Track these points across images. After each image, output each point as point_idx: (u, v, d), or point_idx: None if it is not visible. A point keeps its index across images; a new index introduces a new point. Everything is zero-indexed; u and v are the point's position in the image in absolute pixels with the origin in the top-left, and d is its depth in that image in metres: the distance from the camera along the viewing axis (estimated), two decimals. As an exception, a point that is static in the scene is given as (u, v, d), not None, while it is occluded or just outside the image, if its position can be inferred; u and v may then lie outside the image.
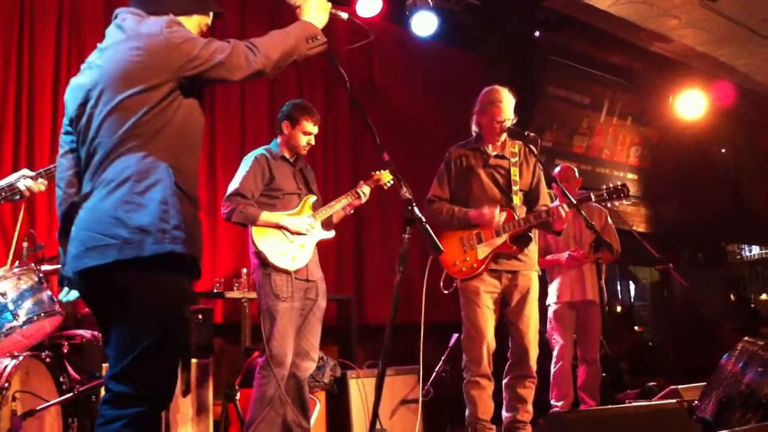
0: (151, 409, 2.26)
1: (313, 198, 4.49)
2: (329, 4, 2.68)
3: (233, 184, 4.29)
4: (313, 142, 4.44)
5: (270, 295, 4.16)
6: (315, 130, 4.42)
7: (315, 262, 4.41)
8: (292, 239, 4.27)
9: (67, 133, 2.54)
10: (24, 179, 3.27)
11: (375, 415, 3.02)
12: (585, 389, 5.43)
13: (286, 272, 4.21)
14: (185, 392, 4.15)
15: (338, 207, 4.53)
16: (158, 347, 2.25)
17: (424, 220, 2.87)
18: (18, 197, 3.30)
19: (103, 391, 2.33)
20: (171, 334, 2.30)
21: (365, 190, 4.64)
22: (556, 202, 4.33)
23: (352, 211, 4.65)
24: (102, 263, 2.21)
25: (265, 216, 4.23)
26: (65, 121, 2.53)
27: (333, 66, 2.71)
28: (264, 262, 4.20)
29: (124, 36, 2.39)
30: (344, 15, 2.79)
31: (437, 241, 2.86)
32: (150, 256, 2.20)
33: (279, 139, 4.47)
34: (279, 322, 4.14)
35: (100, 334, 3.66)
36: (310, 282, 4.34)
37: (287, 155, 4.44)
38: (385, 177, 4.76)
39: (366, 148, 6.77)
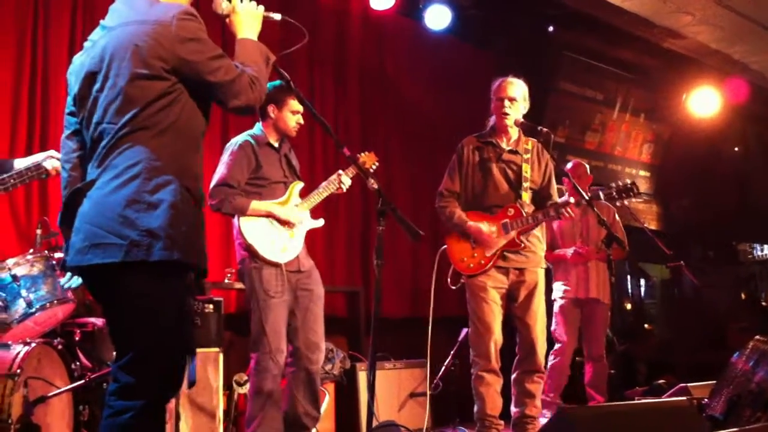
0: (157, 401, 2.26)
1: (299, 185, 4.39)
2: (261, 9, 2.61)
3: (219, 174, 4.18)
4: (302, 121, 4.33)
5: (260, 290, 4.06)
6: (301, 108, 4.29)
7: (305, 252, 4.32)
8: (281, 230, 4.19)
9: (71, 113, 2.49)
10: (51, 159, 3.38)
11: (371, 413, 3.02)
12: (592, 385, 5.45)
13: (276, 265, 4.12)
14: (191, 384, 4.15)
15: (326, 194, 4.43)
16: (161, 343, 2.25)
17: (396, 208, 2.86)
18: (45, 176, 3.44)
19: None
20: (174, 331, 2.28)
21: (345, 180, 4.48)
22: (565, 197, 4.33)
23: (341, 189, 4.50)
24: (106, 262, 2.19)
25: (255, 205, 4.13)
26: (69, 100, 2.49)
27: (275, 70, 2.66)
28: (254, 255, 4.10)
29: (133, 18, 2.34)
30: (277, 16, 2.71)
31: (413, 227, 2.84)
32: (156, 261, 2.18)
33: (261, 124, 4.35)
34: (271, 318, 4.05)
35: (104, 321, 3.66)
36: (302, 272, 4.26)
37: (273, 140, 4.34)
38: (369, 160, 4.69)
39: (376, 137, 6.75)
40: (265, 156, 4.26)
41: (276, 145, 4.34)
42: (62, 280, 3.62)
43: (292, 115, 4.29)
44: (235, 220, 4.16)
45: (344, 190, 4.51)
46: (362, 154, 4.69)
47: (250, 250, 4.10)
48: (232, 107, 2.38)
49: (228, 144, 4.32)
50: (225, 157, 4.23)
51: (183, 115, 2.34)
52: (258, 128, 4.36)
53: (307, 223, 4.35)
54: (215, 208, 4.13)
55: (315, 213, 4.47)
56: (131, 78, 2.27)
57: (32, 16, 4.93)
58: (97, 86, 2.34)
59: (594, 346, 5.47)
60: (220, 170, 4.19)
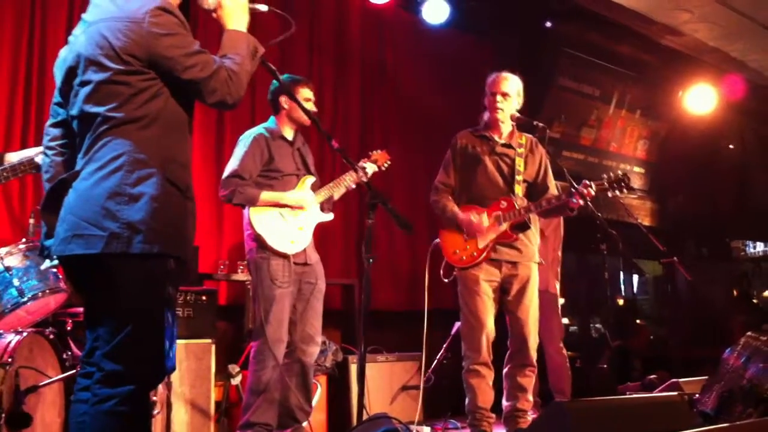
0: (141, 388, 2.29)
1: (311, 179, 4.42)
2: (246, 1, 2.59)
3: (231, 166, 4.22)
4: (315, 109, 4.37)
5: (266, 280, 4.12)
6: (313, 96, 4.36)
7: (312, 246, 4.36)
8: (291, 222, 4.23)
9: (58, 104, 2.54)
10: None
11: (361, 406, 3.03)
12: (555, 389, 5.38)
13: (284, 256, 4.16)
14: (170, 371, 4.15)
15: (336, 189, 4.46)
16: (145, 328, 2.28)
17: (387, 201, 2.86)
18: (36, 171, 3.40)
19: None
20: (157, 316, 2.32)
21: (368, 167, 4.55)
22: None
23: (354, 186, 4.53)
24: (87, 253, 2.24)
25: (265, 195, 4.17)
26: (56, 92, 2.53)
27: (263, 64, 2.64)
28: (262, 246, 4.14)
29: (110, 14, 2.36)
30: (263, 8, 2.69)
31: (404, 218, 2.84)
32: (137, 253, 2.23)
33: (276, 118, 4.40)
34: (275, 307, 4.10)
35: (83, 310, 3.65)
36: (308, 266, 4.31)
37: (287, 133, 4.37)
38: (381, 159, 4.70)
39: (375, 128, 6.74)
40: (277, 149, 4.30)
41: (290, 138, 4.38)
42: (43, 265, 3.60)
43: (305, 103, 4.26)
44: (246, 210, 4.20)
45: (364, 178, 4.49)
46: (375, 152, 4.71)
47: (258, 240, 4.15)
48: (209, 103, 2.39)
49: (242, 136, 4.35)
50: (238, 150, 4.28)
51: (167, 106, 2.37)
52: (272, 121, 4.41)
53: (316, 216, 4.39)
54: (226, 198, 4.19)
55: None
56: (110, 74, 2.30)
57: (29, 8, 4.90)
58: (77, 80, 2.37)
59: (548, 338, 5.30)
60: (232, 162, 4.24)
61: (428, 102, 7.05)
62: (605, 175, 4.26)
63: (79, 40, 2.40)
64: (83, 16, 2.46)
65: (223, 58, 2.42)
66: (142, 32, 2.29)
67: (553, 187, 4.42)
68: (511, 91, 4.30)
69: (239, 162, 4.20)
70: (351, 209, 6.37)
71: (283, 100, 4.34)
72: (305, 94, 4.32)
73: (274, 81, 4.30)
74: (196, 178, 2.58)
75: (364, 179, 2.97)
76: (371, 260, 2.87)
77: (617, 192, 4.23)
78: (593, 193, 4.14)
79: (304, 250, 4.27)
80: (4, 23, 4.80)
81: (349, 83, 6.67)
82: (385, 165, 4.71)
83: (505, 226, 4.20)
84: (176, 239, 2.32)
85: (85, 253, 2.24)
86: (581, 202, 4.12)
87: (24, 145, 4.60)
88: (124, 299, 2.27)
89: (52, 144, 2.54)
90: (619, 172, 4.27)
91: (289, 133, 4.39)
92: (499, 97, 4.29)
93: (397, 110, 6.92)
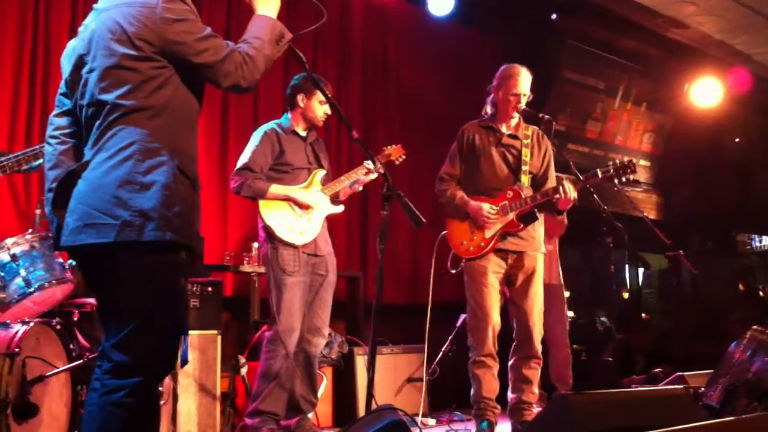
0: (150, 380, 2.29)
1: (321, 172, 4.47)
2: None
3: (243, 159, 4.29)
4: (329, 112, 4.40)
5: (277, 269, 4.18)
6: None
7: (324, 237, 4.41)
8: (300, 213, 4.27)
9: (64, 95, 2.53)
10: None
11: (370, 395, 3.04)
12: (557, 379, 5.39)
13: (293, 246, 4.21)
14: (183, 364, 4.17)
15: (348, 182, 4.48)
16: (155, 320, 2.28)
17: (402, 194, 2.88)
18: (39, 162, 3.42)
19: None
20: (168, 308, 2.32)
21: (369, 165, 4.53)
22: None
23: (360, 188, 4.58)
24: (99, 242, 2.22)
25: (274, 189, 4.23)
26: (62, 83, 2.52)
27: (291, 51, 2.64)
28: (271, 236, 4.21)
29: (121, 0, 2.36)
30: None
31: (417, 213, 2.86)
32: (149, 241, 2.22)
33: (290, 114, 4.44)
34: (286, 296, 4.16)
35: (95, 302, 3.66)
36: (319, 257, 4.35)
37: (300, 129, 4.42)
38: (396, 153, 4.72)
39: (378, 123, 6.73)
40: (289, 142, 4.35)
41: (303, 134, 4.43)
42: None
43: (320, 105, 4.36)
44: (258, 202, 4.25)
45: (374, 176, 4.47)
46: (389, 147, 4.73)
47: (268, 231, 4.21)
48: (224, 87, 2.40)
49: (255, 131, 4.41)
50: (250, 143, 4.34)
51: (176, 96, 2.36)
52: (285, 118, 4.46)
53: (326, 208, 4.42)
54: (235, 190, 4.26)
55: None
56: (120, 60, 2.30)
57: (33, 4, 4.90)
58: (86, 68, 2.37)
59: (551, 332, 5.18)
60: (244, 156, 4.30)
61: (432, 94, 7.03)
62: (611, 162, 4.27)
63: (90, 28, 2.40)
64: (95, 5, 2.46)
65: (242, 41, 2.42)
66: (156, 18, 2.29)
67: (553, 181, 4.42)
68: (529, 88, 4.31)
69: (250, 155, 4.28)
70: (353, 201, 6.36)
71: (300, 98, 4.39)
72: (322, 95, 4.33)
73: (295, 77, 4.42)
74: (201, 170, 2.58)
75: (381, 170, 2.98)
76: (383, 249, 2.88)
77: (624, 179, 4.22)
78: (567, 195, 4.11)
79: (314, 240, 4.32)
80: (7, 20, 4.79)
81: (350, 74, 6.65)
82: (400, 159, 4.74)
83: (511, 215, 4.21)
84: (187, 228, 2.32)
85: (96, 243, 2.22)
86: (559, 196, 4.12)
87: (28, 143, 4.60)
88: (134, 289, 2.26)
89: (56, 133, 2.52)
90: (626, 159, 4.28)
91: (301, 129, 4.44)
92: (522, 98, 4.29)
93: (400, 105, 6.90)
